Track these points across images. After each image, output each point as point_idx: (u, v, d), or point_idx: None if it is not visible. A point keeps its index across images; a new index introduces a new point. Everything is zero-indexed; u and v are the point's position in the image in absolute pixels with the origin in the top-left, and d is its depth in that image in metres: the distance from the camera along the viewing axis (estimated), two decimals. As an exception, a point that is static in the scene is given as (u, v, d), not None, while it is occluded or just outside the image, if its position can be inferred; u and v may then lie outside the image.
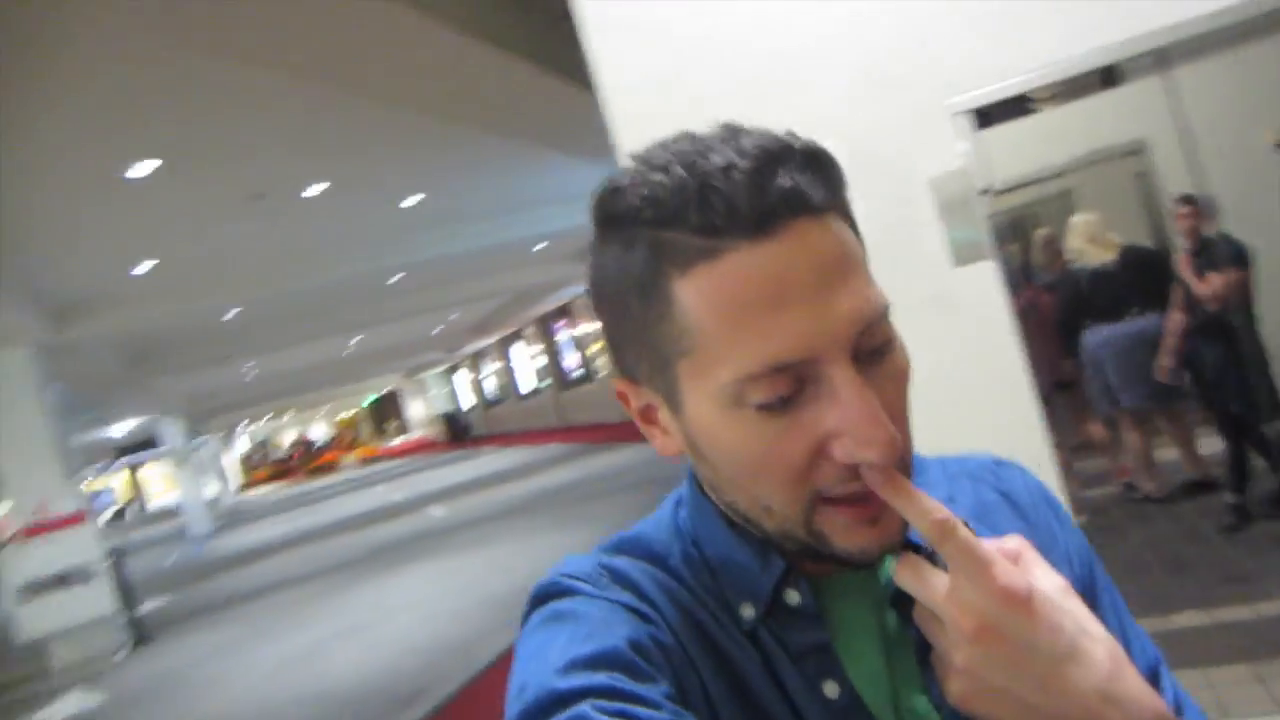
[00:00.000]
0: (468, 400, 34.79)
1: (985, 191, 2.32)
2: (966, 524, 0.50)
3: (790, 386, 0.50)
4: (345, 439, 46.94)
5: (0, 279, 7.27)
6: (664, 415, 0.58)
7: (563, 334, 22.82)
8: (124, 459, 20.44)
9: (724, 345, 0.50)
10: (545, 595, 0.58)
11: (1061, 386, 4.08)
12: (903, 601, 0.56)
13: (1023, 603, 0.47)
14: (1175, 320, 3.61)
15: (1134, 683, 0.48)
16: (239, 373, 18.69)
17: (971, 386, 2.17)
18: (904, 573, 0.52)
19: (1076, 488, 3.78)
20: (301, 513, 18.66)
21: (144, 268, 8.40)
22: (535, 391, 26.41)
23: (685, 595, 0.59)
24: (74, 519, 8.29)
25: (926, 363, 2.13)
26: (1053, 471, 2.11)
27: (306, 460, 40.67)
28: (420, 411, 44.32)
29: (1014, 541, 0.52)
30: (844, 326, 0.50)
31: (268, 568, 11.48)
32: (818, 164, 0.52)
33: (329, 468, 31.30)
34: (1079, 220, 4.09)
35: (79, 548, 8.19)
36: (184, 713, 5.69)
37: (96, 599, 8.19)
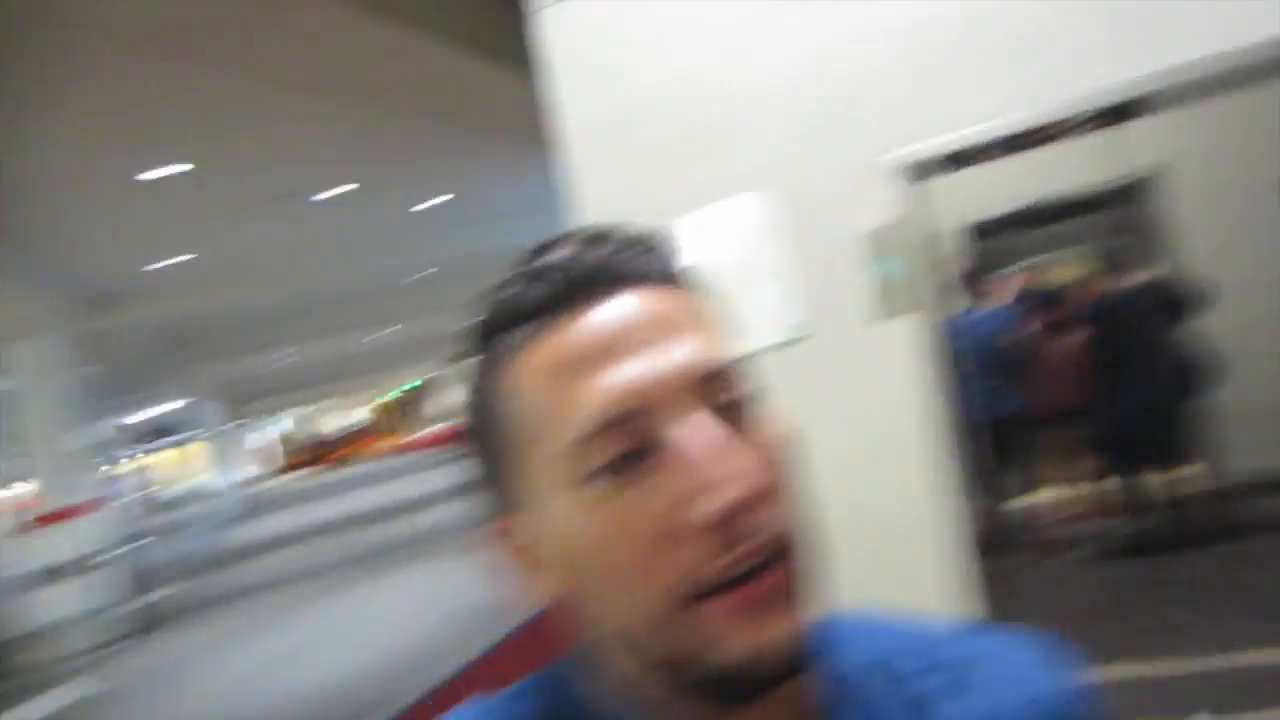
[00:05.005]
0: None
1: (933, 240, 2.31)
2: None
3: (627, 443, 0.44)
4: (381, 426, 47.48)
5: (22, 272, 7.44)
6: (543, 546, 0.50)
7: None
8: (162, 440, 20.60)
9: (557, 413, 0.45)
10: None
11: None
12: None
13: None
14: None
15: None
16: (278, 358, 18.95)
17: (885, 439, 2.17)
18: None
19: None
20: (329, 502, 18.46)
21: (176, 260, 8.59)
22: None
23: None
24: (82, 509, 8.14)
25: (845, 415, 2.15)
26: (963, 538, 2.09)
27: (343, 445, 41.32)
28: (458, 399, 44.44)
29: None
30: (680, 373, 0.45)
31: (283, 558, 11.37)
32: (640, 242, 0.49)
33: (360, 455, 31.70)
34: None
35: (89, 536, 8.12)
36: (172, 707, 5.78)
37: (102, 588, 8.11)
